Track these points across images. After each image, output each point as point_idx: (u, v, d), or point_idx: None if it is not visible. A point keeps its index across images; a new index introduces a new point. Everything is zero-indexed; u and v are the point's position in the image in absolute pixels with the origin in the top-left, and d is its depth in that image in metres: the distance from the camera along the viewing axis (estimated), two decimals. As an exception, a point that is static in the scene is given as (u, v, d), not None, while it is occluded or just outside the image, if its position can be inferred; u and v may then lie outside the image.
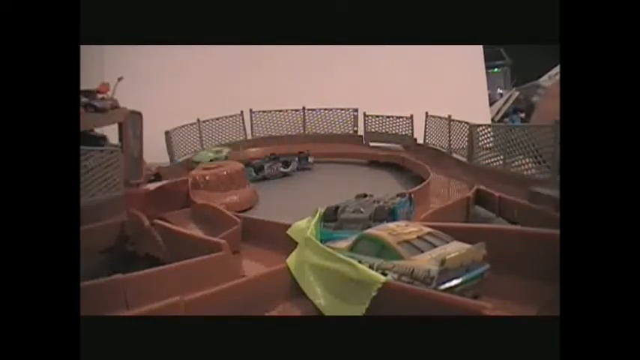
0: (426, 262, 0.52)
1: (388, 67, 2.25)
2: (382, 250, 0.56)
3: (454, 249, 0.54)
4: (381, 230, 0.60)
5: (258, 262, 0.77)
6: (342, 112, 2.01)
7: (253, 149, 1.94)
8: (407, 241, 0.56)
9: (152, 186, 1.26)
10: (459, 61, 2.30)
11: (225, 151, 1.76)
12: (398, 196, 0.81)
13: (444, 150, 1.55)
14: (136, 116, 1.29)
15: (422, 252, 0.54)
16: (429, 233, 0.58)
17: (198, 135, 1.89)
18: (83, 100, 1.17)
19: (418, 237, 0.57)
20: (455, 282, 0.50)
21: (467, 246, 0.54)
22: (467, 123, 1.40)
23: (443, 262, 0.49)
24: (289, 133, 2.05)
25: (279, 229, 0.77)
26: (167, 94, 2.09)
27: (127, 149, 1.17)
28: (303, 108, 2.04)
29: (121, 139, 1.21)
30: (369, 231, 0.61)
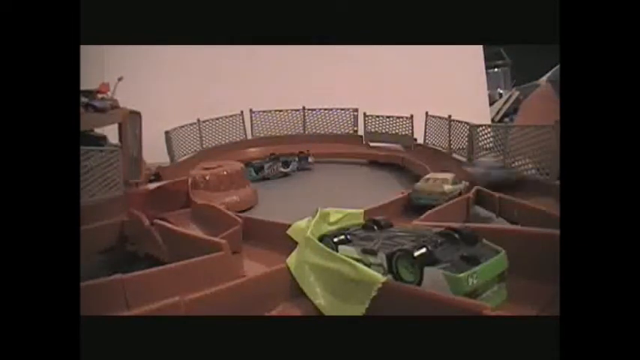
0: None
1: (388, 67, 2.25)
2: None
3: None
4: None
5: (258, 262, 0.77)
6: (342, 112, 2.01)
7: (253, 149, 1.94)
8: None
9: (152, 186, 1.26)
10: (459, 61, 2.30)
11: None
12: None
13: (444, 150, 1.55)
14: (136, 116, 1.29)
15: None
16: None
17: (198, 135, 1.89)
18: (83, 100, 1.16)
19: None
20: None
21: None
22: (467, 123, 1.40)
23: None
24: (289, 133, 2.05)
25: (279, 229, 0.77)
26: (167, 94, 2.09)
27: (127, 149, 1.17)
28: (303, 108, 2.04)
29: (120, 139, 1.21)
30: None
